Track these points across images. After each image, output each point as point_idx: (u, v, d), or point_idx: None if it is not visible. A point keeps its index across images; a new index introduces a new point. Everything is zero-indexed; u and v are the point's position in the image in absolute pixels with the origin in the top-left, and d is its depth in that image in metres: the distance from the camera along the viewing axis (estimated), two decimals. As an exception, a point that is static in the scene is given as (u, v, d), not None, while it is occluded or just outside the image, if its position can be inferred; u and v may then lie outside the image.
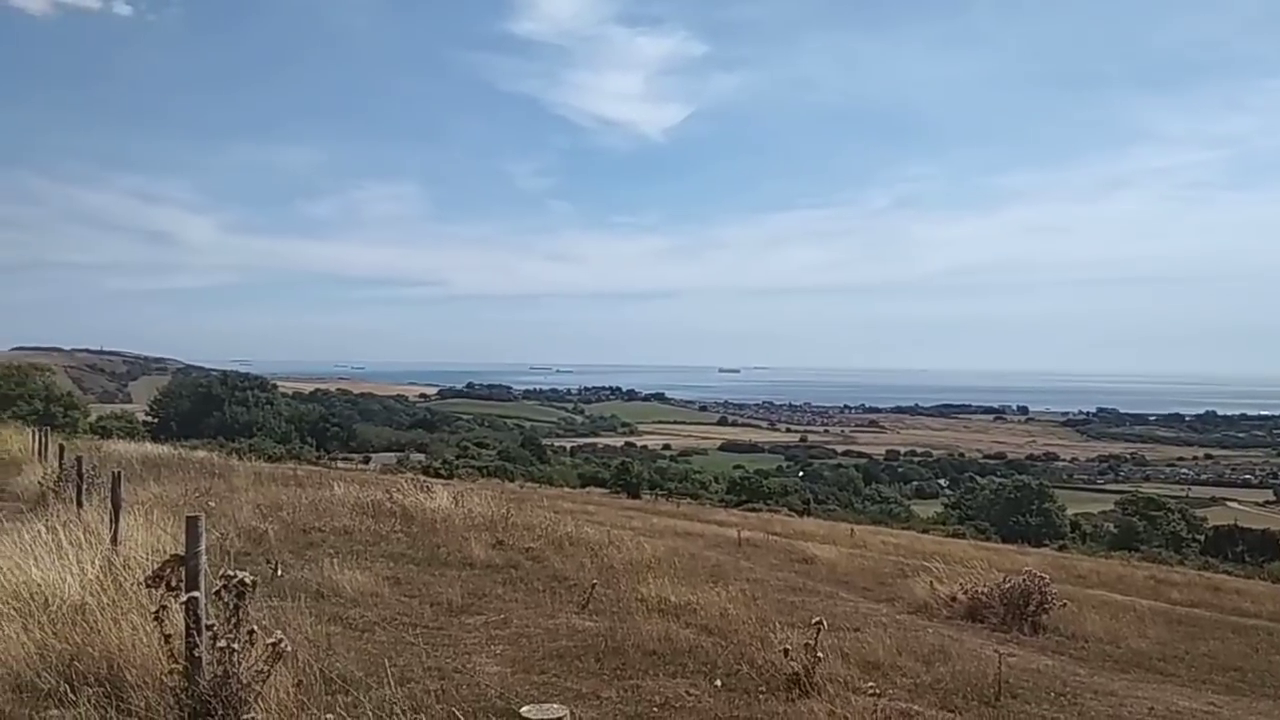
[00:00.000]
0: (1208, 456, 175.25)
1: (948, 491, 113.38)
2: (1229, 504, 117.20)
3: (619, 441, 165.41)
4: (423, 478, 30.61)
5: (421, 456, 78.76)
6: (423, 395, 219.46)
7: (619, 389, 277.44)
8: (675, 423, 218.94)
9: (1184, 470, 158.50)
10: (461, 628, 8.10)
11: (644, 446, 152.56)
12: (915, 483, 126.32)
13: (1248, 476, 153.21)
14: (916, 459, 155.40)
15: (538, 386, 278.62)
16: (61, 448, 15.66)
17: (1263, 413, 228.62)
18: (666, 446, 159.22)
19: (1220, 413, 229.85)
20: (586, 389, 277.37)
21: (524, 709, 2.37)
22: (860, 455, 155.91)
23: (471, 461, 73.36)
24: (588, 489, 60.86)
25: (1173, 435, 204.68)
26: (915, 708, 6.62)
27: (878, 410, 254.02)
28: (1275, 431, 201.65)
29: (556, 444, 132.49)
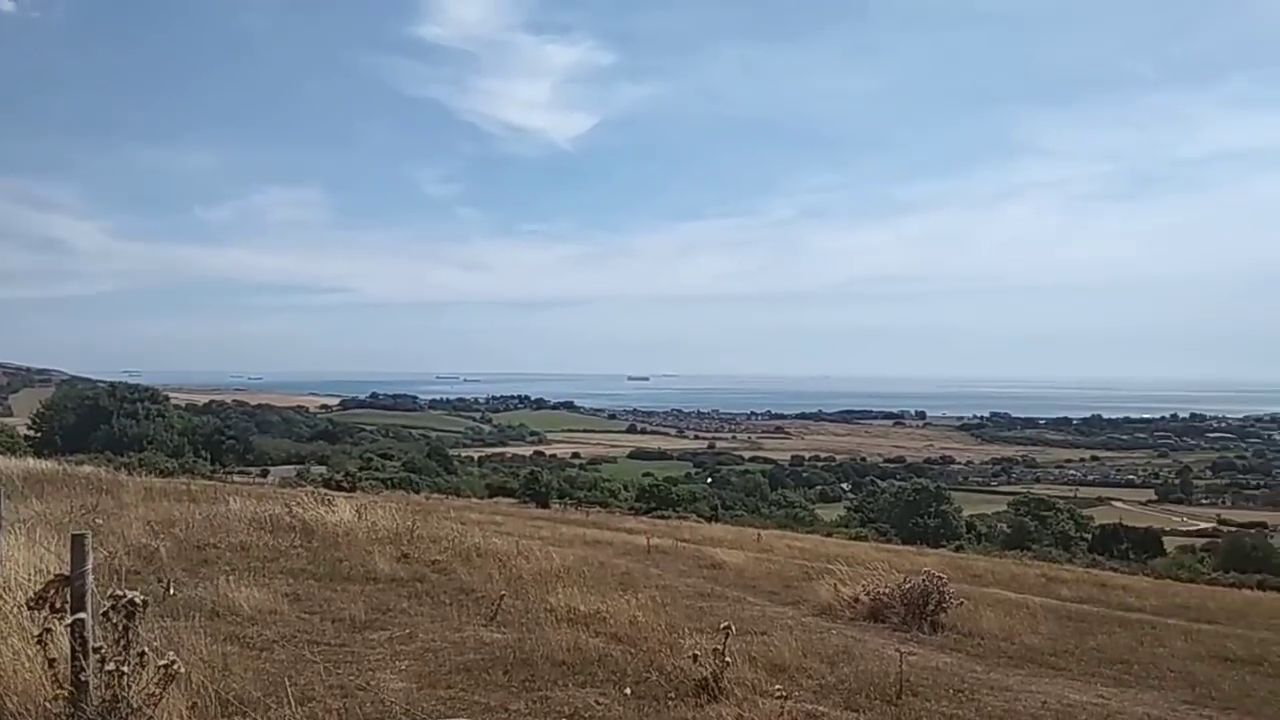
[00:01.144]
0: (1094, 458, 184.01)
1: (850, 495, 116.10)
2: (1114, 503, 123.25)
3: (528, 451, 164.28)
4: (324, 491, 29.87)
5: (323, 469, 76.70)
6: (324, 406, 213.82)
7: (528, 398, 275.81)
8: (585, 431, 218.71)
9: (1072, 471, 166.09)
10: (365, 644, 7.92)
11: (553, 455, 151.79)
12: (819, 487, 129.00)
13: (1131, 477, 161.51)
14: (820, 464, 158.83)
15: (445, 396, 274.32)
16: (-68, 465, 14.75)
17: (1145, 415, 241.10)
18: (576, 455, 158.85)
19: (1105, 416, 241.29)
20: (495, 398, 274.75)
21: (431, 724, 2.33)
22: (767, 461, 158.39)
23: (375, 473, 71.82)
24: (496, 499, 60.22)
25: (1061, 438, 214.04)
26: (821, 708, 6.75)
27: (783, 416, 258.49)
28: (1156, 434, 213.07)
29: (464, 454, 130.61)
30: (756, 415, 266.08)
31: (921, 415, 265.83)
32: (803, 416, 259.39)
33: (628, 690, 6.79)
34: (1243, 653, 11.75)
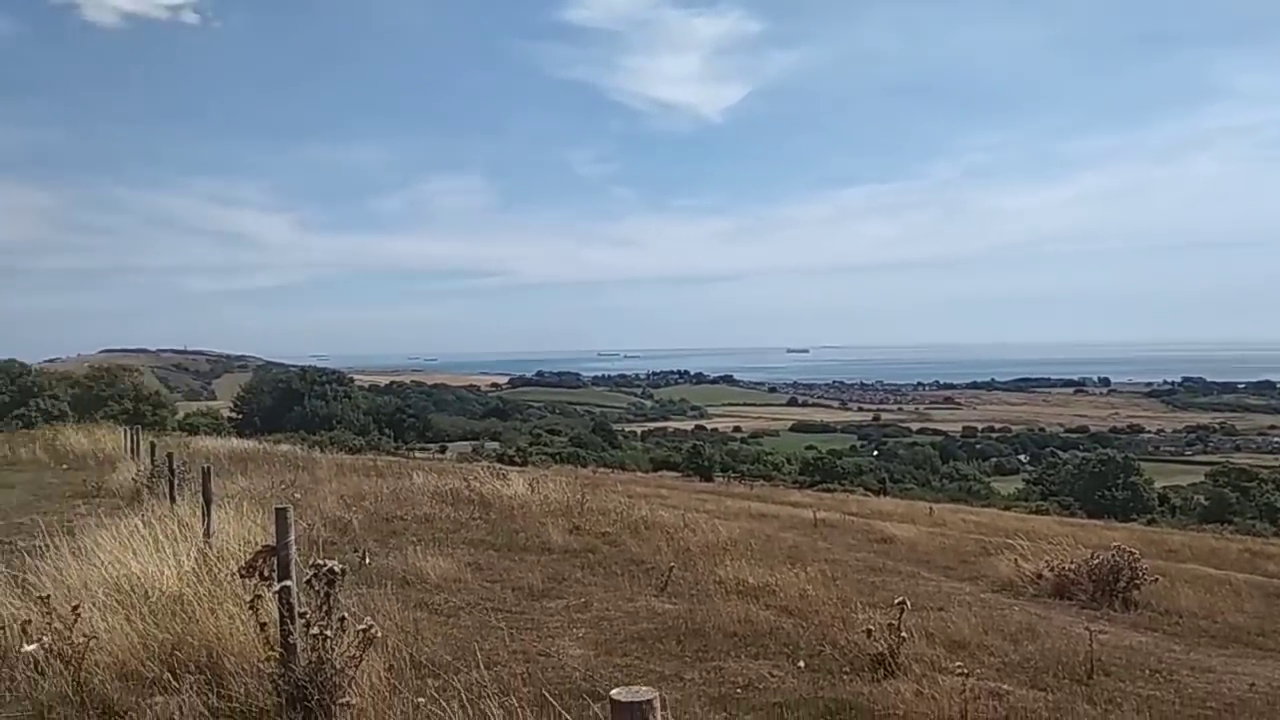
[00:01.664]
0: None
1: (1029, 467, 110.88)
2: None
3: (689, 425, 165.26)
4: (498, 465, 31.05)
5: (496, 445, 79.92)
6: (494, 384, 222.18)
7: (687, 372, 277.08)
8: (745, 405, 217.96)
9: (1277, 439, 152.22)
10: (543, 611, 8.20)
11: (714, 429, 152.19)
12: (994, 459, 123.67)
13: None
14: (995, 435, 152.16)
15: (606, 372, 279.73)
16: (153, 445, 16.23)
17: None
18: (737, 429, 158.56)
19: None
20: (654, 373, 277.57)
21: (614, 692, 2.36)
22: (936, 433, 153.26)
23: (544, 448, 74.16)
24: (660, 473, 61.02)
25: (1264, 403, 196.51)
26: (1005, 687, 6.50)
27: (953, 387, 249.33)
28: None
29: (627, 429, 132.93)
30: (924, 386, 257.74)
31: (1105, 382, 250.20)
32: (974, 386, 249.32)
33: (801, 663, 6.75)
34: None
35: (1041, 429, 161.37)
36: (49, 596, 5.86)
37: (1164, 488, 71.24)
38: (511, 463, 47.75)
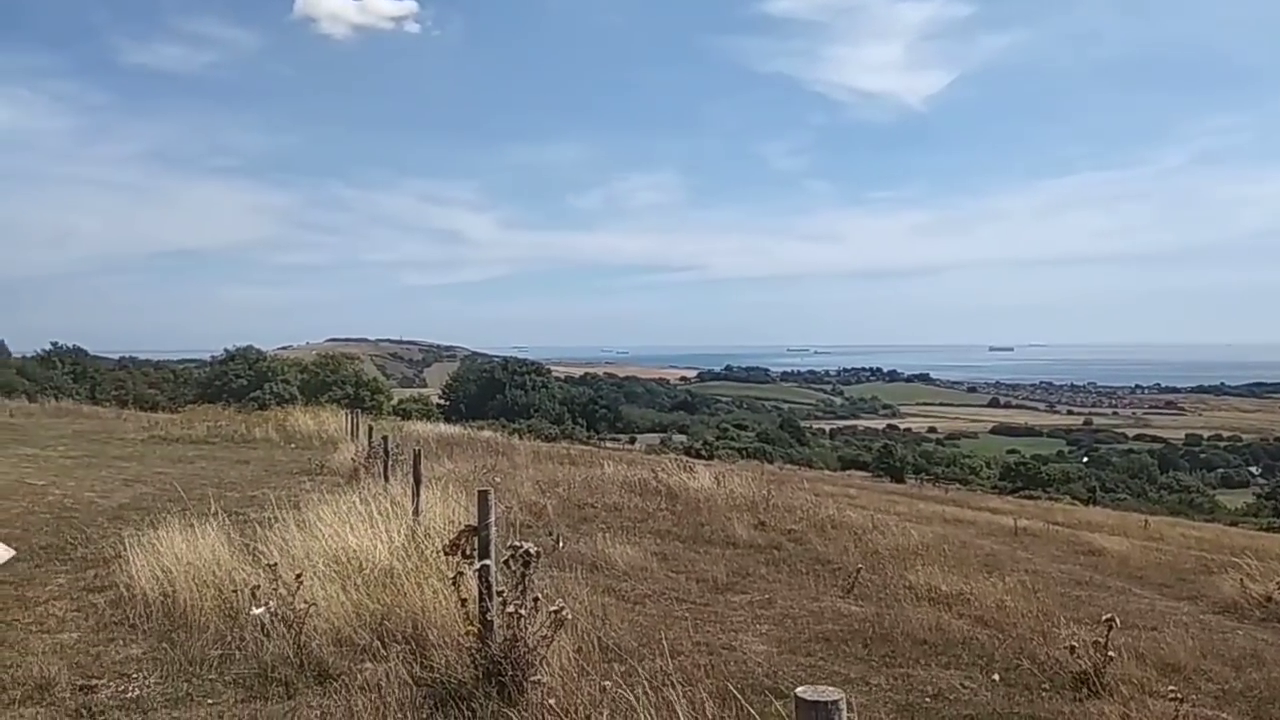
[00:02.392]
0: None
1: (1261, 480, 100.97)
2: None
3: (880, 424, 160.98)
4: (685, 458, 31.41)
5: (683, 437, 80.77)
6: (683, 378, 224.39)
7: (879, 370, 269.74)
8: (941, 404, 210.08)
9: None
10: (727, 605, 8.25)
11: (907, 429, 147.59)
12: (1221, 470, 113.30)
13: None
14: (1223, 444, 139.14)
15: (795, 368, 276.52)
16: (370, 428, 17.49)
17: None
18: (932, 429, 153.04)
19: None
20: (845, 370, 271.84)
21: (799, 690, 2.36)
22: (1155, 439, 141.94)
23: (731, 443, 74.27)
24: (848, 472, 59.80)
25: None
26: (1223, 716, 5.99)
27: (1175, 390, 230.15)
28: None
29: (815, 426, 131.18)
30: (1142, 388, 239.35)
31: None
32: (1199, 390, 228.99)
33: (996, 676, 6.47)
34: None
35: (1277, 438, 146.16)
36: (276, 565, 6.43)
37: None
38: (698, 456, 48.15)
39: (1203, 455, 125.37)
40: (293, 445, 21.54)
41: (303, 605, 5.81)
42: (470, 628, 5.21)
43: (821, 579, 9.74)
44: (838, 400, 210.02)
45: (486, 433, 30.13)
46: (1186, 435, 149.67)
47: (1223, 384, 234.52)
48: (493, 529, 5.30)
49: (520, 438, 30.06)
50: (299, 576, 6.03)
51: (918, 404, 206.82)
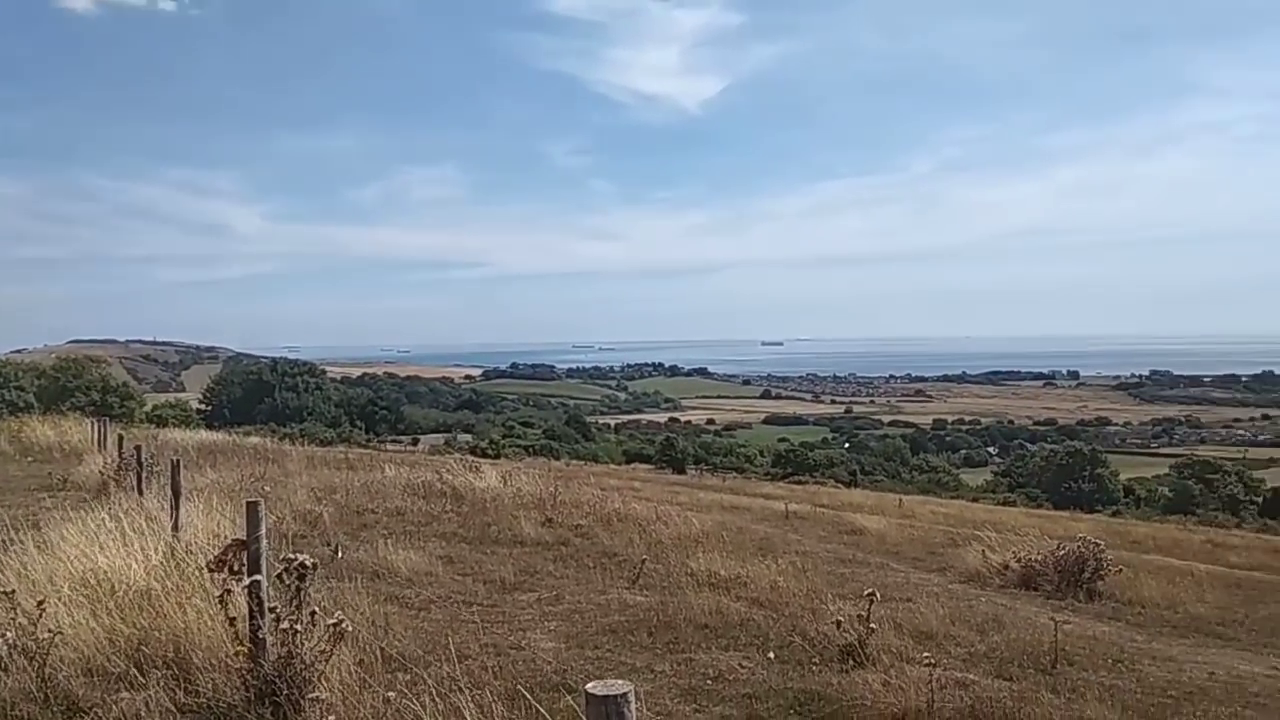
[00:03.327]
0: (1265, 417, 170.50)
1: (997, 460, 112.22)
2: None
3: (662, 417, 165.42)
4: (470, 458, 30.98)
5: (468, 437, 79.63)
6: (468, 376, 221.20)
7: (661, 365, 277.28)
8: (719, 397, 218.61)
9: (1240, 432, 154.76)
10: (515, 605, 8.21)
11: (688, 422, 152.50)
12: (963, 451, 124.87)
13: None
14: (964, 427, 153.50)
15: (580, 365, 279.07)
16: (120, 437, 16.04)
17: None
18: (710, 421, 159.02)
19: (1278, 372, 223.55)
20: (629, 366, 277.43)
21: (589, 685, 2.38)
22: (907, 425, 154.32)
23: (517, 441, 74.00)
24: (633, 465, 61.05)
25: (1228, 396, 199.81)
26: (971, 676, 6.60)
27: (924, 379, 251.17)
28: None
29: (600, 421, 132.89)
30: (895, 378, 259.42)
31: (1074, 375, 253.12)
32: (945, 379, 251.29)
33: (771, 654, 6.81)
34: None
35: (1010, 421, 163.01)
36: (13, 592, 5.79)
37: (1129, 480, 72.24)
38: (484, 455, 47.64)
39: (948, 438, 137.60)
40: (29, 459, 19.41)
41: (46, 634, 5.27)
42: (240, 647, 4.90)
43: (608, 572, 9.89)
44: (622, 395, 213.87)
45: (254, 439, 28.40)
46: (934, 420, 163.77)
47: (964, 373, 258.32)
48: (263, 541, 5.00)
49: (293, 443, 28.60)
50: (41, 603, 5.46)
51: (697, 397, 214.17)
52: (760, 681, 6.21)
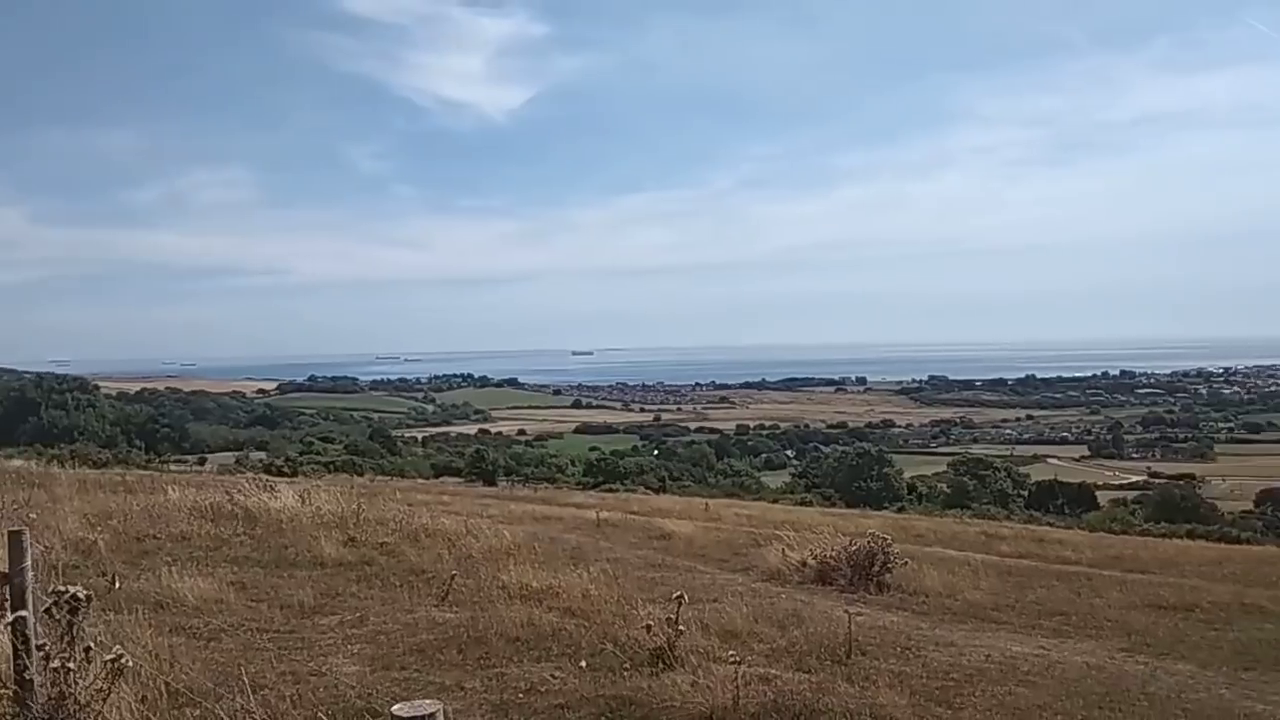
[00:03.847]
0: (1029, 417, 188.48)
1: (795, 462, 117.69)
2: (1049, 460, 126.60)
3: (473, 429, 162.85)
4: (265, 477, 29.34)
5: (262, 455, 75.38)
6: (261, 391, 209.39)
7: (471, 376, 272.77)
8: (529, 408, 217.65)
9: (1008, 431, 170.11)
10: (315, 629, 7.85)
11: (499, 433, 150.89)
12: (765, 455, 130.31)
13: (1065, 434, 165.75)
14: (765, 432, 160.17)
15: (386, 376, 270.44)
16: None
17: (1077, 374, 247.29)
18: (521, 432, 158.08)
19: (1039, 376, 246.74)
20: (437, 377, 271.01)
21: (395, 707, 2.31)
22: (712, 431, 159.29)
23: (317, 457, 70.86)
24: (442, 479, 59.91)
25: (997, 398, 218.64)
26: (773, 671, 6.88)
27: (728, 386, 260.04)
28: (1088, 391, 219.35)
29: (408, 435, 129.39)
30: (701, 386, 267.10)
31: (862, 381, 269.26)
32: (747, 386, 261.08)
33: (583, 663, 6.85)
34: (1175, 600, 12.18)
35: (807, 425, 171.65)
36: None
37: (912, 477, 77.48)
38: (280, 474, 45.23)
39: (750, 443, 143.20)
40: None
41: None
42: (4, 690, 4.44)
43: (416, 589, 9.63)
44: (430, 408, 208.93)
45: (17, 462, 25.84)
46: (737, 426, 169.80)
47: (764, 380, 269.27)
48: (29, 574, 4.56)
49: (62, 465, 26.14)
50: None
51: (508, 408, 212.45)
52: (572, 691, 6.22)
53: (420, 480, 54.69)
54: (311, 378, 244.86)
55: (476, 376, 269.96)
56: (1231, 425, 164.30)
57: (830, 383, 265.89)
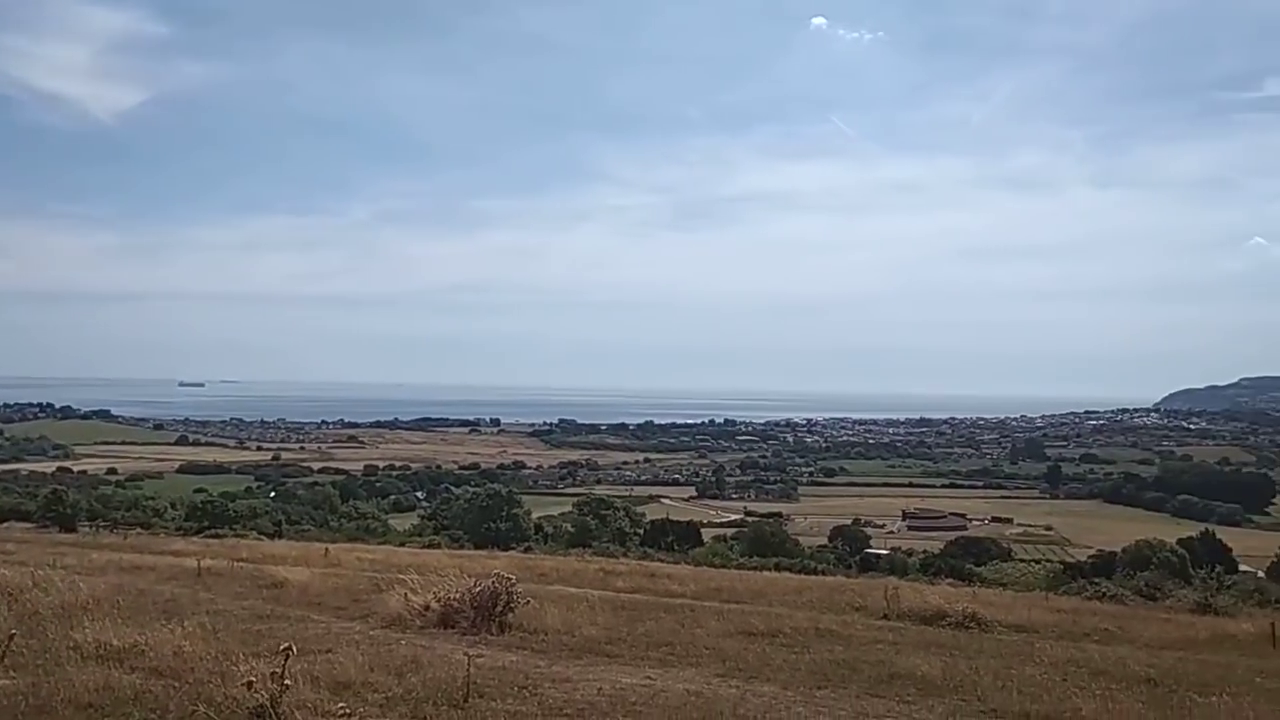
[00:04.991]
0: (646, 460, 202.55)
1: (425, 503, 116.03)
2: (662, 500, 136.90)
3: (50, 467, 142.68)
4: None
5: None
6: None
7: (51, 406, 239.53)
8: (124, 443, 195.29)
9: (628, 472, 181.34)
10: None
11: (82, 471, 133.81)
12: (393, 496, 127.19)
13: (676, 476, 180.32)
14: (395, 473, 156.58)
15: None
16: None
17: (689, 421, 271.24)
18: (112, 470, 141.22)
19: (657, 422, 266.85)
20: (8, 406, 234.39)
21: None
22: (338, 472, 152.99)
23: None
24: (7, 524, 51.60)
25: (619, 442, 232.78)
26: (386, 721, 6.62)
27: (357, 425, 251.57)
28: (698, 437, 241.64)
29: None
30: (328, 424, 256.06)
31: (496, 422, 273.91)
32: (378, 425, 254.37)
33: (170, 729, 6.13)
34: (763, 627, 13.48)
35: (439, 466, 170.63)
36: None
37: (540, 518, 79.37)
38: None
39: (379, 484, 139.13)
40: None
41: None
42: None
43: (-43, 656, 8.10)
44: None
45: None
46: (365, 466, 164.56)
47: (396, 419, 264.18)
48: None
49: None
50: None
51: (96, 443, 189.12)
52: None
53: (-22, 527, 46.54)
54: None
55: (58, 407, 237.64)
56: (811, 470, 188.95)
57: (465, 423, 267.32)
